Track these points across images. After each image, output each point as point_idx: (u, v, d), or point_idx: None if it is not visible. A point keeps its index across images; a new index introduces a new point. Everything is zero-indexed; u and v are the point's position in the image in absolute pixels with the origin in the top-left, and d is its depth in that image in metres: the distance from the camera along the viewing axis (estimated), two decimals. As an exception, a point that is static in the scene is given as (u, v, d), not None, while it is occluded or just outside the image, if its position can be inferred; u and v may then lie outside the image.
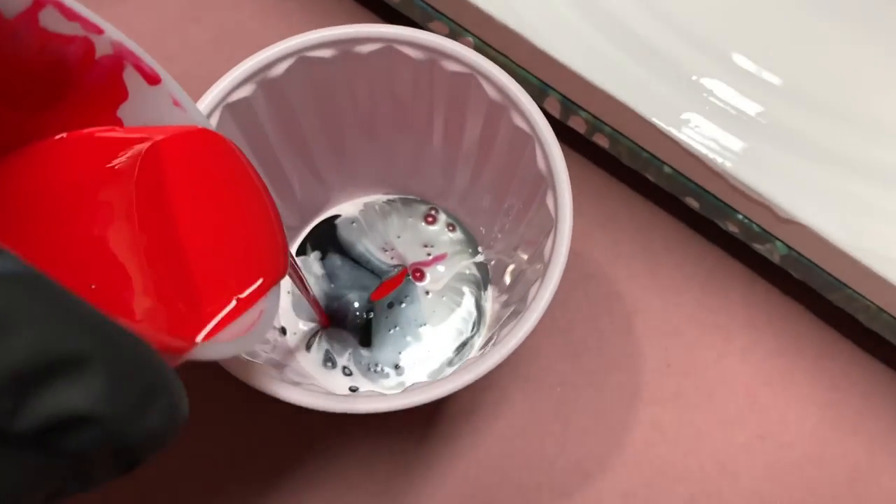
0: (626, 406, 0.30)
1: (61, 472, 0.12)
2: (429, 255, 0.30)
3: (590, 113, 0.30)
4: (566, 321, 0.31)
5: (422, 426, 0.29)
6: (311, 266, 0.30)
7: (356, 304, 0.29)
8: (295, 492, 0.28)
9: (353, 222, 0.30)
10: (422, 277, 0.30)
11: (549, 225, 0.21)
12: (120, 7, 0.36)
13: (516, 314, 0.21)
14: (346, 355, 0.29)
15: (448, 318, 0.29)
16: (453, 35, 0.31)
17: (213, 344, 0.15)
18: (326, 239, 0.30)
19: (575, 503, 0.29)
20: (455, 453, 0.29)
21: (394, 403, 0.18)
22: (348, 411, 0.18)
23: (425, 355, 0.29)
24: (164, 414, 0.12)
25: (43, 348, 0.11)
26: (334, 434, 0.29)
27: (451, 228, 0.31)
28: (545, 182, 0.21)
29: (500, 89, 0.22)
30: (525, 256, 0.24)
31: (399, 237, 0.31)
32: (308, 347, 0.29)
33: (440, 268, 0.30)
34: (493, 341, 0.22)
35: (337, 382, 0.27)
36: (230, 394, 0.29)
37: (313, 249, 0.30)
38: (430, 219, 0.31)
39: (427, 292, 0.30)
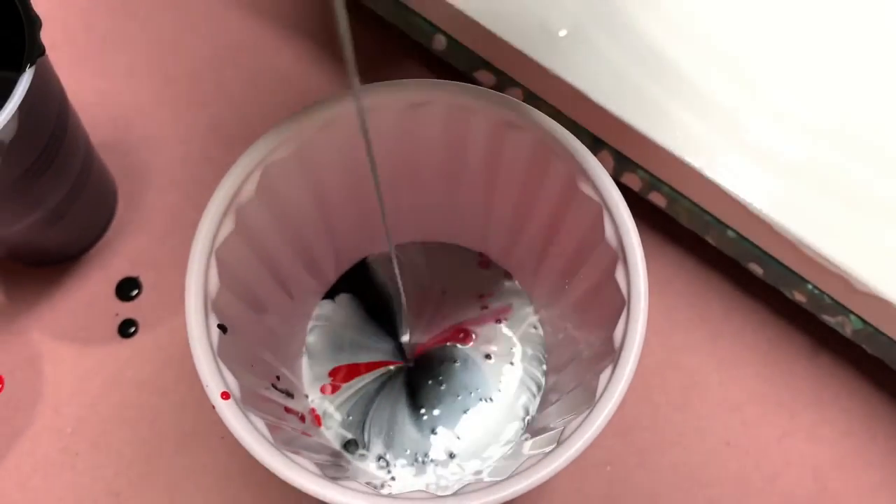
0: (681, 488, 0.28)
1: None
2: (485, 307, 0.27)
3: (646, 171, 0.28)
4: (617, 393, 0.29)
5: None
6: (335, 313, 0.27)
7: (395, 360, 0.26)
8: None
9: (390, 260, 0.28)
10: (467, 339, 0.27)
11: (618, 303, 0.19)
12: (154, 49, 0.34)
13: (575, 405, 0.19)
14: (382, 438, 0.26)
15: (515, 390, 0.26)
16: (500, 85, 0.30)
17: None
18: (358, 280, 0.28)
19: None
20: (497, 537, 0.27)
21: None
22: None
23: (487, 439, 0.26)
24: None
25: None
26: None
27: (507, 276, 0.28)
28: (615, 254, 0.19)
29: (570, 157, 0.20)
30: (584, 332, 0.22)
31: (446, 288, 0.27)
32: (328, 425, 0.26)
33: (504, 327, 0.27)
34: (553, 432, 0.19)
35: (368, 472, 0.25)
36: (248, 467, 0.27)
37: (341, 292, 0.28)
38: (483, 262, 0.28)
39: (488, 356, 0.27)
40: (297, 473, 0.17)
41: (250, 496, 0.27)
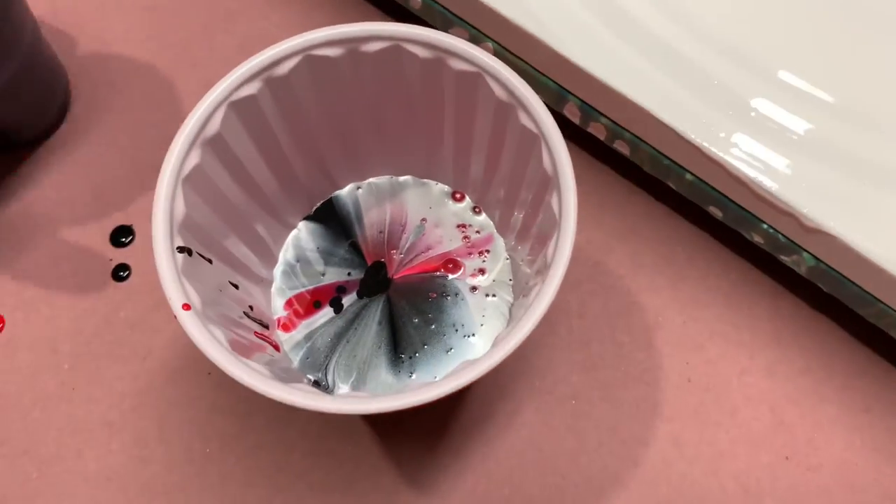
0: (643, 422, 0.29)
1: None
2: (466, 237, 0.27)
3: (610, 119, 0.29)
4: (583, 333, 0.30)
5: (433, 436, 0.29)
6: (302, 242, 0.27)
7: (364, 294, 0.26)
8: (300, 498, 0.28)
9: (358, 188, 0.27)
10: (456, 268, 0.26)
11: (553, 228, 0.20)
12: (148, 14, 0.36)
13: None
14: (350, 383, 0.25)
15: (493, 323, 0.25)
16: (473, 40, 0.31)
17: None
18: (327, 213, 0.28)
19: (588, 521, 0.28)
20: (465, 466, 0.28)
21: (378, 405, 0.18)
22: (315, 409, 0.18)
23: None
24: None
25: None
26: (342, 440, 0.29)
27: (476, 211, 0.27)
28: (551, 182, 0.21)
29: (507, 88, 0.21)
30: (535, 255, 0.23)
31: (430, 208, 0.27)
32: (295, 357, 0.25)
33: (486, 259, 0.26)
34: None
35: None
36: (234, 400, 0.29)
37: (311, 221, 0.27)
38: (457, 195, 0.27)
39: (473, 288, 0.26)
40: (247, 373, 0.18)
41: (235, 425, 0.29)
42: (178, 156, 0.21)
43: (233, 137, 0.22)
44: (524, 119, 0.21)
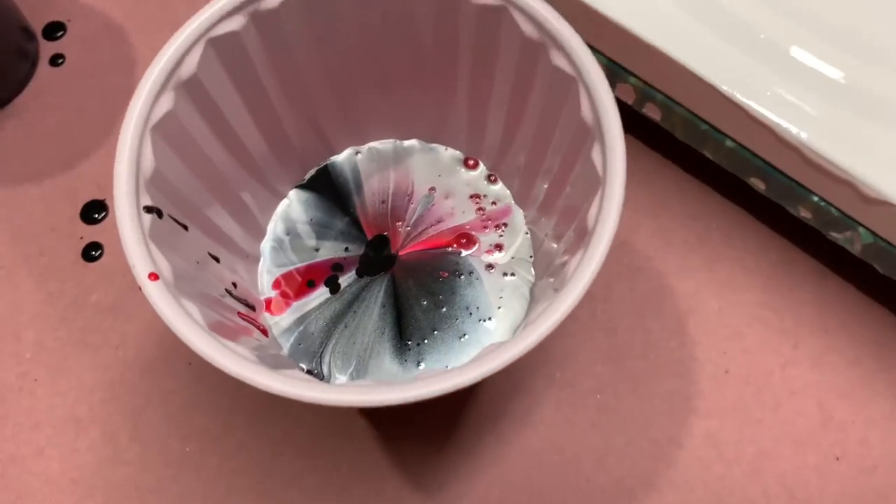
0: (676, 418, 0.26)
1: None
2: (481, 209, 0.24)
3: (639, 78, 0.26)
4: (609, 320, 0.27)
5: (441, 434, 0.26)
6: (293, 212, 0.24)
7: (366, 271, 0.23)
8: (291, 506, 0.25)
9: (357, 153, 0.25)
10: (470, 244, 0.23)
11: (595, 186, 0.17)
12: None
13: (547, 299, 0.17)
14: (349, 374, 0.22)
15: (512, 305, 0.22)
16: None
17: None
18: (321, 181, 0.25)
19: (616, 530, 0.25)
20: (476, 468, 0.25)
21: (390, 396, 0.14)
22: (320, 402, 0.14)
23: None
24: None
25: None
26: (338, 440, 0.25)
27: (491, 179, 0.24)
28: (591, 134, 0.17)
29: (537, 23, 0.18)
30: (565, 228, 0.20)
31: (440, 176, 0.24)
32: (285, 347, 0.22)
33: (504, 233, 0.23)
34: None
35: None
36: (217, 395, 0.26)
37: (304, 190, 0.24)
38: (471, 162, 0.24)
39: (490, 266, 0.23)
40: (226, 356, 0.15)
41: (217, 423, 0.26)
42: (146, 99, 0.17)
43: (212, 81, 0.19)
44: (557, 59, 0.18)
